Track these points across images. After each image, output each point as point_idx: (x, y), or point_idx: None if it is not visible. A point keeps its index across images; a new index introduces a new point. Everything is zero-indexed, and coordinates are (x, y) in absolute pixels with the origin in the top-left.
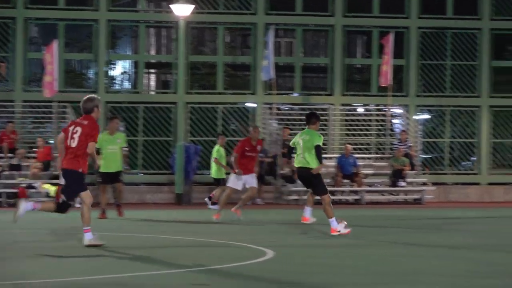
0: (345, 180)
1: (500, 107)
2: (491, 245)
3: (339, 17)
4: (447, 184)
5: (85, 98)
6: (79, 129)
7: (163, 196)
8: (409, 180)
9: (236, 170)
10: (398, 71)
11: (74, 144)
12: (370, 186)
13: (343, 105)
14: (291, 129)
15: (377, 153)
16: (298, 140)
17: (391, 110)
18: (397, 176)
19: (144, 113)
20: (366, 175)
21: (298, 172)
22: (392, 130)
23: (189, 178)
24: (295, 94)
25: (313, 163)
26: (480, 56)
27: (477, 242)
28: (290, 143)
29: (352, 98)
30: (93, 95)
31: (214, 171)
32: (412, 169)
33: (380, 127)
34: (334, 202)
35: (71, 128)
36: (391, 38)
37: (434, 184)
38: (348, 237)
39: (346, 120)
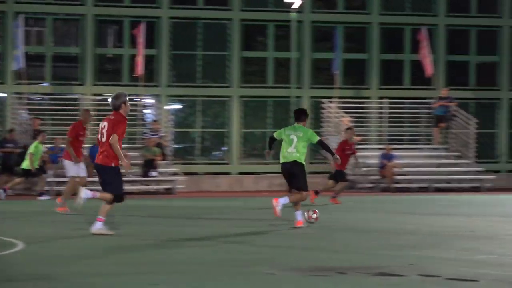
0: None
1: (250, 97)
2: (243, 234)
3: (90, 6)
4: (198, 174)
5: (112, 96)
6: (106, 124)
7: None
8: (160, 170)
9: (73, 158)
10: (149, 61)
11: (104, 139)
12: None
13: (94, 95)
14: (42, 119)
15: (128, 143)
16: (290, 136)
17: (142, 100)
18: (148, 166)
19: None
20: None
21: (283, 167)
22: (143, 120)
23: None
24: (46, 84)
25: (302, 159)
26: (230, 46)
27: (229, 232)
28: (275, 135)
29: (103, 88)
30: (120, 92)
31: (25, 164)
32: (164, 159)
33: (131, 117)
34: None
35: (101, 124)
36: (142, 28)
37: (185, 174)
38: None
39: (98, 110)
